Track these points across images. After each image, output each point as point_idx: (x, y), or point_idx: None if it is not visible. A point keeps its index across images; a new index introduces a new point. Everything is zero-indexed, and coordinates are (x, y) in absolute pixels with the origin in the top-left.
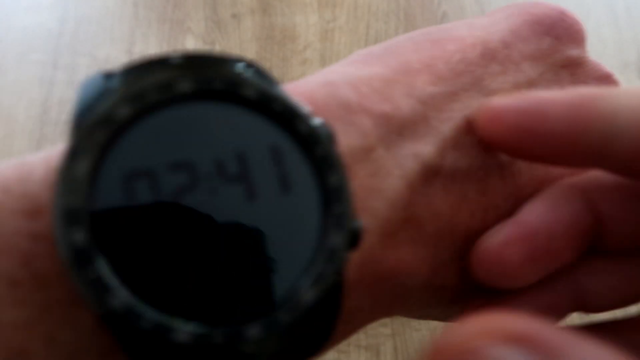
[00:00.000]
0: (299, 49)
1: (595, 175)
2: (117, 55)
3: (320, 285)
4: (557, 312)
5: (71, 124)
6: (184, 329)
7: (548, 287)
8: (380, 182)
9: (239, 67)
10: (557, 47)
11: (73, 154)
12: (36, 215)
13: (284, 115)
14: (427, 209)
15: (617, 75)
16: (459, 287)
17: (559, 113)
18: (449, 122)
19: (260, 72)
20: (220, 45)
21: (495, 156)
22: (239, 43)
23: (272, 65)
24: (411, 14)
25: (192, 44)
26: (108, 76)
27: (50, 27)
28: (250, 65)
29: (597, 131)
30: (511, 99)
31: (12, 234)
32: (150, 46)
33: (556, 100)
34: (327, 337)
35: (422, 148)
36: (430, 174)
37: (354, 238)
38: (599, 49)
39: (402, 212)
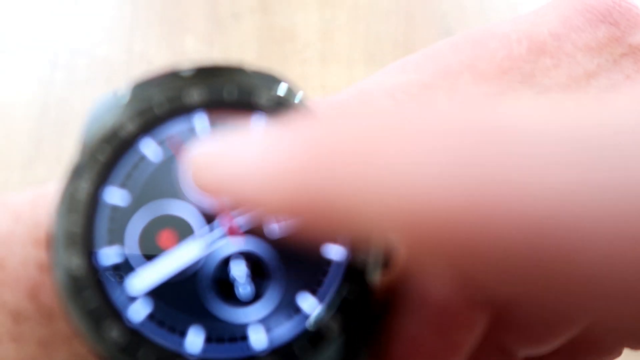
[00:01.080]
0: (299, 48)
1: None
2: (117, 55)
3: (344, 313)
4: None
5: (80, 142)
6: None
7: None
8: None
9: (253, 76)
10: (614, 34)
11: (76, 177)
12: (47, 245)
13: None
14: None
15: None
16: None
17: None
18: None
19: (277, 80)
20: (220, 45)
21: None
22: (239, 43)
23: (271, 65)
24: (411, 13)
25: (191, 43)
26: (116, 93)
27: (49, 26)
28: (266, 74)
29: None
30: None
31: (20, 264)
32: (150, 46)
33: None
34: None
35: None
36: None
37: (384, 256)
38: None
39: None
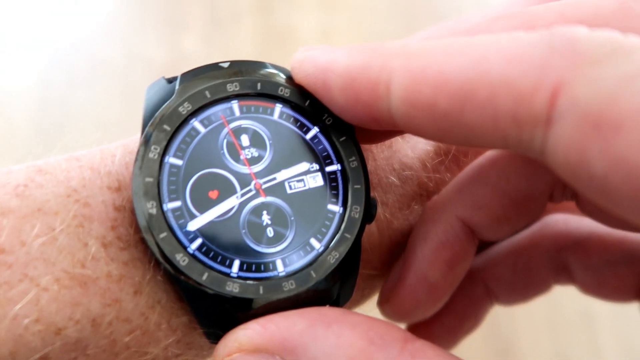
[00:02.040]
0: (299, 48)
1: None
2: (116, 55)
3: (342, 248)
4: (475, 311)
5: (143, 119)
6: (235, 283)
7: (458, 300)
8: (396, 163)
9: (273, 69)
10: None
11: (147, 142)
12: (118, 190)
13: (313, 111)
14: (437, 183)
15: None
16: None
17: (338, 86)
18: None
19: (288, 73)
20: (220, 46)
21: None
22: (239, 43)
23: None
24: (411, 13)
25: (191, 43)
26: (169, 80)
27: (49, 27)
28: (279, 68)
29: (376, 108)
30: (309, 54)
31: (102, 204)
32: (150, 46)
33: (336, 69)
34: (351, 291)
35: None
36: (442, 153)
37: (370, 211)
38: None
39: (417, 187)
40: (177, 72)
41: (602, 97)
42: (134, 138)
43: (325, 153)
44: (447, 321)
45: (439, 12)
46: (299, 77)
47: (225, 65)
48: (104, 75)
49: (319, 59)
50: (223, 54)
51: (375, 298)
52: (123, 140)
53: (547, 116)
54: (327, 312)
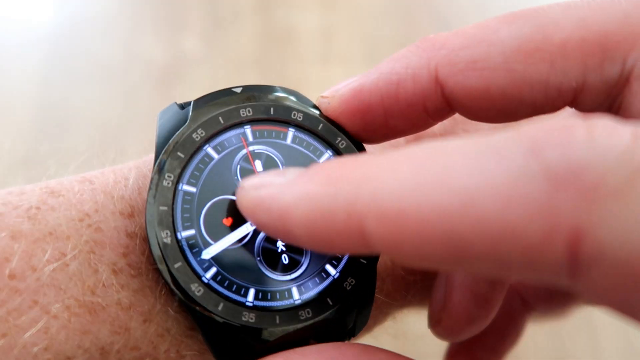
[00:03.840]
0: (299, 48)
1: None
2: (116, 55)
3: (357, 275)
4: (515, 320)
5: (156, 146)
6: (251, 313)
7: (496, 317)
8: None
9: (284, 94)
10: None
11: (161, 170)
12: (131, 216)
13: (326, 134)
14: None
15: None
16: None
17: (303, 234)
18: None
19: (299, 96)
20: (220, 45)
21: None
22: (239, 42)
23: (271, 64)
24: (411, 13)
25: (191, 43)
26: (182, 106)
27: (49, 27)
28: (290, 91)
29: (355, 249)
30: (258, 197)
31: (114, 230)
32: (150, 46)
33: (295, 221)
34: (367, 318)
35: None
36: None
37: None
38: None
39: None
40: (177, 73)
41: (634, 243)
42: (147, 159)
43: None
44: (488, 341)
45: (440, 13)
46: (257, 223)
47: (238, 90)
48: (104, 75)
49: (270, 209)
50: (223, 54)
51: (384, 324)
52: (135, 161)
53: (570, 265)
54: (346, 350)
